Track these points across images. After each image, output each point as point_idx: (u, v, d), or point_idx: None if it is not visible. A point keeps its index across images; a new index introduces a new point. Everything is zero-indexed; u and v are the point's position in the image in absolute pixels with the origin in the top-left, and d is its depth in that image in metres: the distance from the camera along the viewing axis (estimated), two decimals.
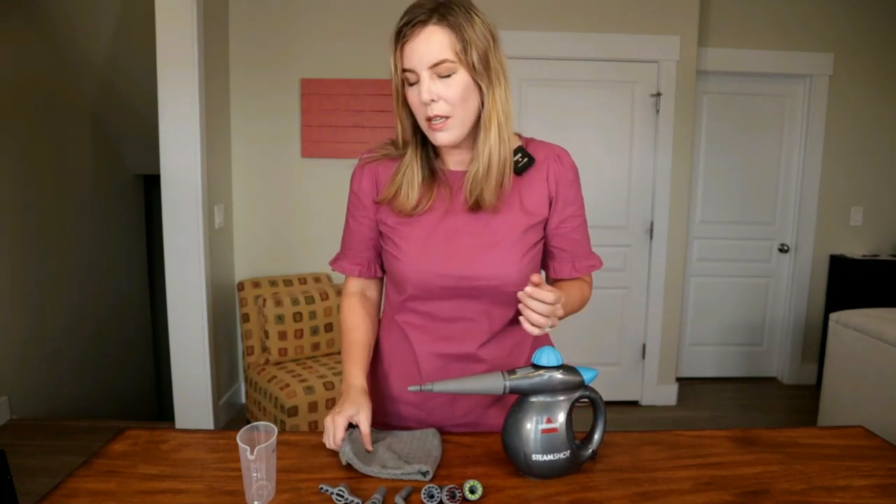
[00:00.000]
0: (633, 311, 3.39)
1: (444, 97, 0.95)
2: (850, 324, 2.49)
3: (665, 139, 3.22)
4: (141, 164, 4.15)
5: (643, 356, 3.42)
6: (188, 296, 2.72)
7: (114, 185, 4.09)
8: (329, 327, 2.95)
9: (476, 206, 1.02)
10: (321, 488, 0.88)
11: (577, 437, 0.96)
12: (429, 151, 1.07)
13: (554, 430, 0.91)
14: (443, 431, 1.09)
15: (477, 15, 0.96)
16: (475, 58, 0.94)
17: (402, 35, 0.95)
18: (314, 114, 3.15)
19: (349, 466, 0.94)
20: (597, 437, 0.98)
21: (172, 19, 2.56)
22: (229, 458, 0.97)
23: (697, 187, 3.60)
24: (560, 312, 0.93)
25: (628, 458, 1.00)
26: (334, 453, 0.97)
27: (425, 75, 0.94)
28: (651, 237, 3.32)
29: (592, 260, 1.13)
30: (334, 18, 3.12)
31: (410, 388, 0.92)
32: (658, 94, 3.21)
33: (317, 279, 3.17)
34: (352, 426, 0.97)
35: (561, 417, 0.92)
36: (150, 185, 4.46)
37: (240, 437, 0.83)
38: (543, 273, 1.16)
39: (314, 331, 2.92)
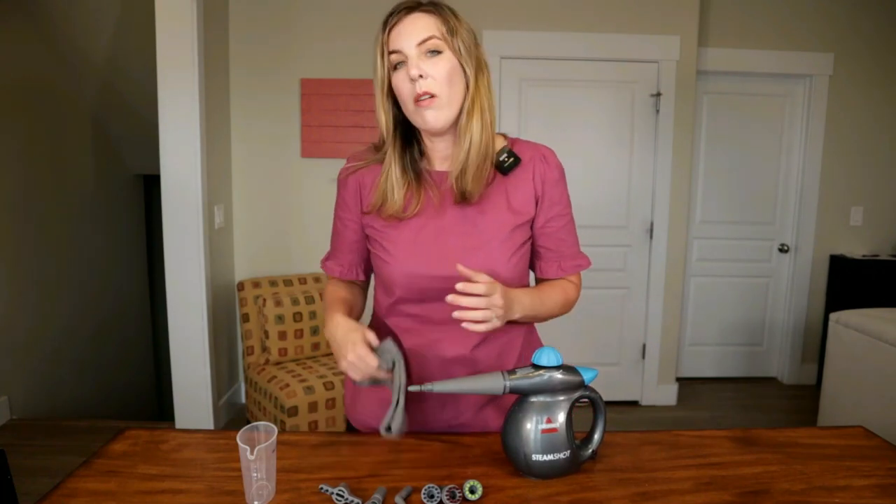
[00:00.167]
0: (633, 311, 3.39)
1: (431, 74, 0.97)
2: (850, 324, 2.49)
3: (665, 139, 3.22)
4: (141, 165, 4.15)
5: (643, 356, 3.42)
6: (188, 296, 2.72)
7: (114, 185, 4.09)
8: None
9: (462, 199, 1.03)
10: (321, 488, 0.88)
11: (577, 437, 0.96)
12: (414, 153, 1.07)
13: (554, 430, 0.91)
14: (440, 432, 1.08)
15: (460, 18, 1.01)
16: (461, 45, 0.99)
17: (388, 23, 0.99)
18: (314, 114, 3.15)
19: (349, 466, 0.93)
20: (597, 437, 0.98)
21: (172, 19, 2.56)
22: (229, 458, 0.97)
23: (697, 187, 3.60)
24: (500, 302, 0.91)
25: (628, 458, 1.00)
26: (334, 453, 0.97)
27: (413, 53, 0.97)
28: (651, 237, 3.32)
29: (580, 260, 1.12)
30: (334, 18, 3.12)
31: (410, 389, 0.92)
32: (658, 94, 3.20)
33: (317, 279, 3.17)
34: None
35: (561, 417, 0.92)
36: (150, 186, 4.46)
37: (240, 437, 0.84)
38: (532, 274, 1.15)
39: (314, 331, 2.92)
